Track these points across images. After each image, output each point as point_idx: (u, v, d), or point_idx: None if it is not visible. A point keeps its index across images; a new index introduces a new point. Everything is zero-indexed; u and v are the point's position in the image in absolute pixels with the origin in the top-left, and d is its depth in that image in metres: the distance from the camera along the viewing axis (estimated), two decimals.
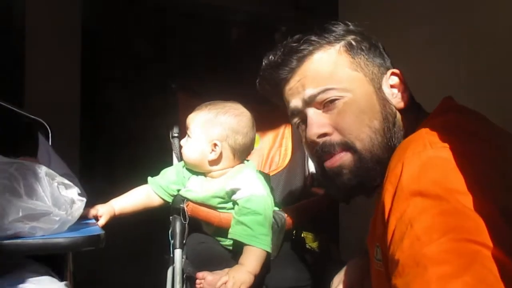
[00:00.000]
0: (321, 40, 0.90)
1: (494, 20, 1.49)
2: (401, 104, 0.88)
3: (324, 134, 0.87)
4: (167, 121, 1.64)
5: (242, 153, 1.42)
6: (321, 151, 0.87)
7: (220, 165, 1.40)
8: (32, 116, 1.60)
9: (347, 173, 0.86)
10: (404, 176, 0.68)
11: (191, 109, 1.47)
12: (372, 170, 0.84)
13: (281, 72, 0.91)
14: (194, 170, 1.43)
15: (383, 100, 0.87)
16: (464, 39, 1.56)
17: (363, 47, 0.90)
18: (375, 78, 0.89)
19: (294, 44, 0.91)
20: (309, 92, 0.88)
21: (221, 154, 1.38)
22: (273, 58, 0.94)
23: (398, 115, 0.88)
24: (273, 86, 0.95)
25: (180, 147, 1.48)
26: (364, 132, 0.85)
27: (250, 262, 1.24)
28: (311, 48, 0.89)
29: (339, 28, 0.92)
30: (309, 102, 0.88)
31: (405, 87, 0.90)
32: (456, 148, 0.67)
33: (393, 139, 0.86)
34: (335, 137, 0.86)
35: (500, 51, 1.47)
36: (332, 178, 0.88)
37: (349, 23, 0.94)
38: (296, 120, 0.94)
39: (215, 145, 1.37)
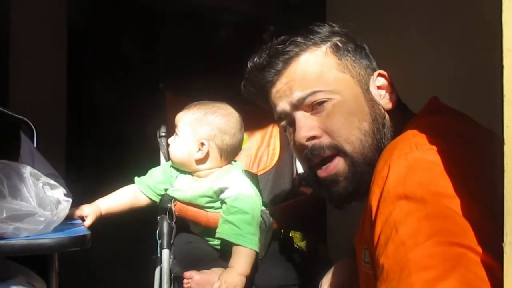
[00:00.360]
0: (307, 42, 0.89)
1: (495, 19, 1.50)
2: (389, 105, 0.88)
3: (313, 137, 0.86)
4: (155, 120, 1.63)
5: (229, 154, 1.41)
6: (310, 155, 0.86)
7: (207, 165, 1.39)
8: (17, 116, 1.58)
9: (343, 181, 0.85)
10: (390, 178, 0.68)
11: (178, 108, 1.46)
12: (366, 174, 0.82)
13: (267, 75, 0.90)
14: (181, 169, 1.43)
15: (372, 101, 0.87)
16: (458, 41, 1.57)
17: (349, 48, 0.90)
18: (362, 80, 0.88)
19: (280, 46, 0.90)
20: (297, 95, 0.86)
21: (208, 153, 1.38)
22: (258, 60, 0.92)
23: (387, 116, 0.88)
24: (259, 88, 0.94)
25: (168, 145, 1.48)
26: (354, 134, 0.84)
27: (240, 264, 1.24)
28: (297, 49, 0.88)
29: (324, 30, 0.92)
30: (297, 105, 0.87)
31: (392, 88, 0.90)
32: (443, 150, 0.68)
33: (383, 140, 0.85)
34: (325, 140, 0.85)
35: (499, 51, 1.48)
36: (327, 186, 0.87)
37: (334, 25, 0.93)
38: (283, 123, 0.93)
39: (202, 144, 1.37)
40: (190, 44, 3.43)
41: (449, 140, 0.71)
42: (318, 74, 0.87)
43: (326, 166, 0.85)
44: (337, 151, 0.84)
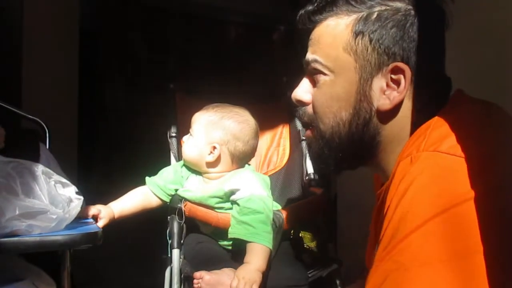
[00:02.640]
0: (343, 7, 0.81)
1: (495, 19, 1.49)
2: (385, 106, 0.78)
3: (302, 102, 0.86)
4: (165, 121, 1.64)
5: (241, 160, 1.41)
6: (296, 113, 0.89)
7: (218, 168, 1.39)
8: (30, 116, 1.60)
9: (315, 147, 0.87)
10: (408, 195, 0.65)
11: (189, 109, 1.47)
12: (339, 151, 0.82)
13: (309, 19, 0.86)
14: (193, 168, 1.43)
15: (363, 95, 0.79)
16: (465, 38, 1.56)
17: (377, 26, 0.78)
18: (367, 67, 0.79)
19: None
20: (307, 56, 0.85)
21: (219, 157, 1.37)
22: (310, 4, 0.87)
23: (375, 116, 0.79)
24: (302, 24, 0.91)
25: (179, 146, 1.48)
26: (328, 117, 0.82)
27: (257, 260, 1.23)
28: (329, 12, 0.83)
29: None
30: (306, 65, 0.86)
31: (404, 88, 0.78)
32: (469, 156, 0.64)
33: (364, 136, 0.80)
34: (309, 109, 0.86)
35: (501, 51, 1.47)
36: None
37: None
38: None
39: (214, 148, 1.37)
40: (199, 45, 3.45)
41: (476, 145, 0.65)
42: (326, 44, 0.82)
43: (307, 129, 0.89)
44: (312, 123, 0.85)
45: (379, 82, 0.79)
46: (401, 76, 0.77)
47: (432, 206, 0.61)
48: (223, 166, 1.39)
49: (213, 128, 1.37)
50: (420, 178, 0.64)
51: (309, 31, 0.87)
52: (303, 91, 0.86)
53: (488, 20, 1.51)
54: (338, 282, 1.41)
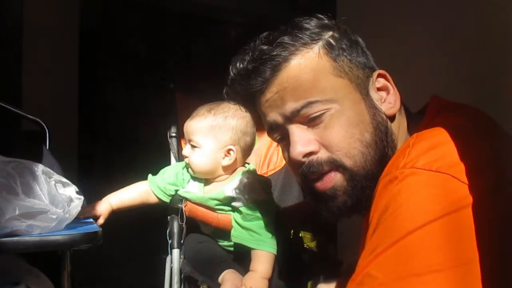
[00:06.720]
0: (296, 42, 0.79)
1: (493, 21, 1.50)
2: (392, 110, 0.80)
3: (311, 153, 0.78)
4: (166, 121, 1.64)
5: (248, 152, 1.41)
6: (307, 171, 0.79)
7: (232, 168, 1.38)
8: (30, 116, 1.60)
9: (341, 195, 0.78)
10: (387, 215, 0.64)
11: (189, 109, 1.46)
12: (367, 188, 0.76)
13: (253, 83, 0.81)
14: (205, 177, 1.40)
15: (373, 108, 0.78)
16: (467, 40, 1.56)
17: (343, 46, 0.79)
18: (361, 83, 0.79)
19: (265, 48, 0.80)
20: (290, 107, 0.78)
21: (235, 157, 1.36)
22: (242, 65, 0.82)
23: (389, 123, 0.79)
24: (245, 97, 0.85)
25: (179, 146, 1.47)
26: (355, 147, 0.76)
27: (262, 267, 1.23)
28: (286, 53, 0.78)
29: (313, 24, 0.81)
30: (291, 117, 0.79)
31: (395, 89, 0.81)
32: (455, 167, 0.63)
33: (387, 150, 0.78)
34: (322, 155, 0.77)
35: (498, 53, 1.47)
36: (325, 201, 0.80)
37: (323, 17, 0.83)
38: (276, 135, 0.85)
39: (229, 150, 1.34)
40: (199, 45, 3.45)
41: (467, 160, 0.63)
42: (313, 82, 0.77)
43: (323, 178, 0.78)
44: (336, 166, 0.77)
45: (374, 94, 0.80)
46: (385, 80, 0.81)
47: (411, 221, 0.61)
48: (237, 164, 1.38)
49: (222, 132, 1.34)
50: (398, 195, 0.64)
51: (256, 92, 0.81)
52: (305, 142, 0.78)
53: (488, 21, 1.51)
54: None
